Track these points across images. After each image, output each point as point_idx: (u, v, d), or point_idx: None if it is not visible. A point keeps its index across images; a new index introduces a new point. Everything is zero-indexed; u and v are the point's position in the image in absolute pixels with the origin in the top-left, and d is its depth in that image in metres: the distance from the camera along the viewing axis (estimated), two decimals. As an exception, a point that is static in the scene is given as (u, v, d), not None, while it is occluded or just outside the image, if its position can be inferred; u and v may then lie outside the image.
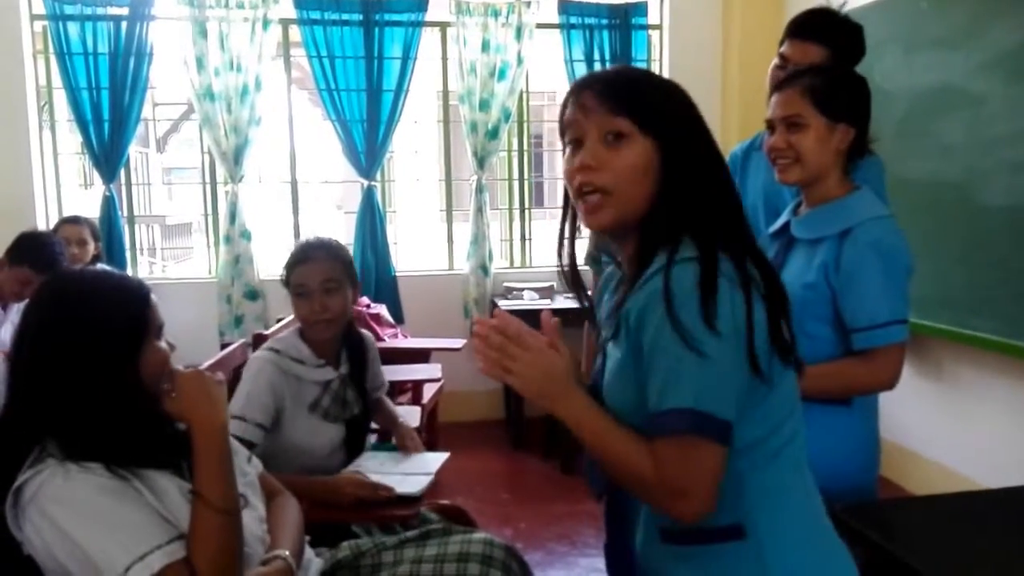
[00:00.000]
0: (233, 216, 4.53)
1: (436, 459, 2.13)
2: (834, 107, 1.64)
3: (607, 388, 1.13)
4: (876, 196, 1.76)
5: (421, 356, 4.03)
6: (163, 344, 1.36)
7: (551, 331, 1.10)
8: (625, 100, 1.07)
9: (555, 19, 4.74)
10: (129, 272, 4.51)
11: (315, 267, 2.02)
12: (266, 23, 4.41)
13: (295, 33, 4.61)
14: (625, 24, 4.77)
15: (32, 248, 2.93)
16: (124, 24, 4.34)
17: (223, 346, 3.25)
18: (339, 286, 2.02)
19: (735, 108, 4.71)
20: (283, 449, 1.97)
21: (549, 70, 5.01)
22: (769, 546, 1.08)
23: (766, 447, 1.09)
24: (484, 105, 4.66)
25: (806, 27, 2.00)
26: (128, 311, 1.31)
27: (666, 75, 5.41)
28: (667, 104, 1.09)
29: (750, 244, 1.11)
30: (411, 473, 2.02)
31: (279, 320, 3.26)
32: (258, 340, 2.70)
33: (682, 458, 1.00)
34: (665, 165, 1.07)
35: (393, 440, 2.27)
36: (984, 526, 1.55)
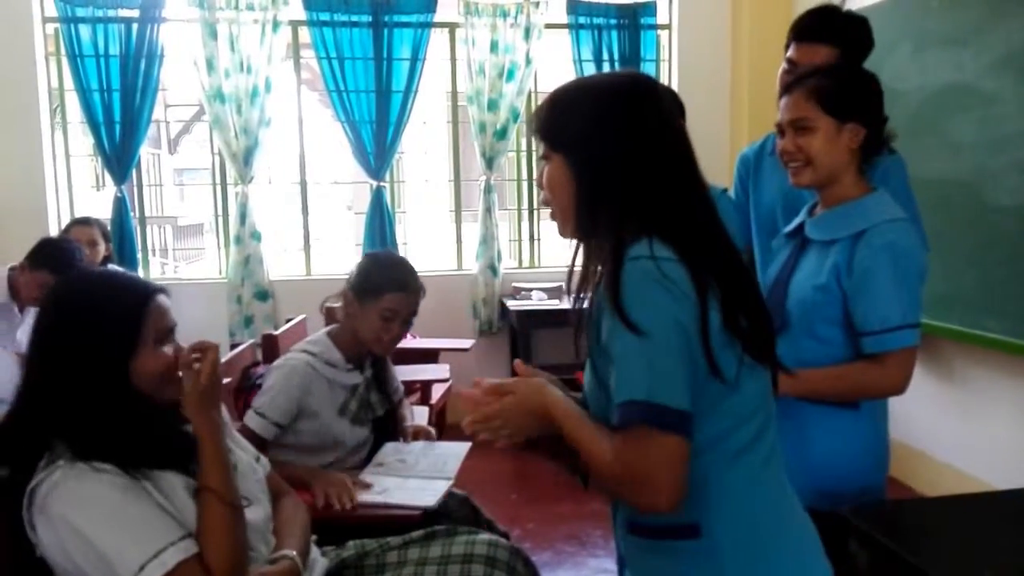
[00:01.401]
0: (243, 217, 4.56)
1: (456, 454, 2.13)
2: (841, 107, 1.62)
3: (585, 377, 1.18)
4: (898, 196, 1.74)
5: (430, 356, 4.04)
6: (167, 349, 1.36)
7: (525, 373, 1.23)
8: (538, 125, 1.20)
9: (564, 19, 4.74)
10: (140, 272, 4.55)
11: (410, 299, 2.09)
12: (276, 25, 4.43)
13: (305, 35, 4.63)
14: (634, 24, 4.76)
15: (52, 253, 2.98)
16: (135, 26, 4.37)
17: (233, 346, 3.27)
18: (413, 319, 2.12)
19: (744, 107, 4.70)
20: (315, 447, 2.04)
21: (558, 70, 5.01)
22: (724, 548, 1.10)
23: (725, 448, 1.10)
24: (493, 105, 4.66)
25: (811, 29, 1.97)
26: (120, 317, 1.31)
27: (675, 75, 5.36)
28: (568, 121, 1.16)
29: (711, 245, 1.12)
30: (430, 476, 2.02)
31: (288, 320, 3.27)
32: (268, 341, 2.71)
33: (639, 448, 1.03)
34: (575, 175, 1.15)
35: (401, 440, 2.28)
36: (993, 528, 1.54)
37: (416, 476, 2.02)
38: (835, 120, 1.62)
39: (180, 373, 1.36)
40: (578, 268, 1.17)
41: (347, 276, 2.16)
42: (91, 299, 1.33)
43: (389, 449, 2.17)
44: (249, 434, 1.94)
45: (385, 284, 2.06)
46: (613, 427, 1.06)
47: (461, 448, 2.16)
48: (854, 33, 1.97)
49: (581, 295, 1.17)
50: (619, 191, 1.12)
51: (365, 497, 1.93)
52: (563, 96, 1.18)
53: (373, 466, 2.08)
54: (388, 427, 2.23)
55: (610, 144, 1.12)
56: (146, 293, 1.35)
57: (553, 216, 1.21)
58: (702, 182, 1.16)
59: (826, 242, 1.65)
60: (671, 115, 1.16)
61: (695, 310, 1.04)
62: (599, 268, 1.13)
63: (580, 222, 1.16)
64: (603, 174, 1.13)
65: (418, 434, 2.27)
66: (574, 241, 1.22)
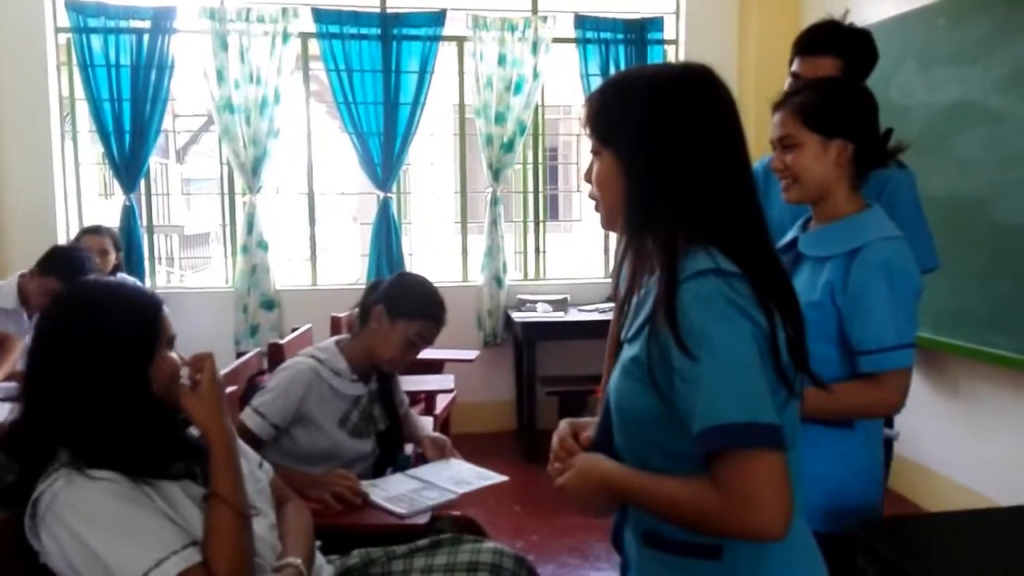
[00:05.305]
0: (251, 226, 4.57)
1: (483, 476, 2.08)
2: (826, 123, 1.60)
3: (614, 387, 1.12)
4: (907, 211, 1.73)
5: (434, 367, 4.04)
6: (174, 355, 1.39)
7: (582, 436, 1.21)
8: (589, 118, 1.12)
9: (571, 34, 4.77)
10: (147, 281, 4.57)
11: (438, 330, 2.16)
12: (286, 37, 4.47)
13: (314, 47, 4.66)
14: (641, 39, 4.79)
15: (61, 261, 3.02)
16: (146, 37, 4.41)
17: (239, 355, 3.28)
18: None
19: (751, 122, 4.62)
20: (311, 456, 2.03)
21: (565, 84, 5.04)
22: (743, 572, 1.07)
23: None
24: (500, 118, 4.68)
25: (814, 42, 1.98)
26: (140, 320, 1.34)
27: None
28: (620, 115, 1.08)
29: (768, 257, 1.08)
30: (441, 486, 2.00)
31: (294, 330, 3.28)
32: (274, 350, 2.72)
33: (744, 471, 0.96)
34: (625, 172, 1.08)
35: (409, 450, 2.28)
36: (998, 544, 1.54)
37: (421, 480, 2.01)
38: (821, 136, 1.61)
39: (183, 379, 1.38)
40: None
41: (366, 287, 2.17)
42: (110, 306, 1.34)
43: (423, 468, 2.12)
44: (245, 432, 1.93)
45: (422, 311, 2.12)
46: (704, 453, 0.98)
47: (489, 476, 2.08)
48: (857, 43, 1.98)
49: (630, 298, 1.11)
50: (674, 192, 1.05)
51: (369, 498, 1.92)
52: (615, 87, 1.10)
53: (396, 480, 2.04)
54: (393, 440, 2.22)
55: (665, 140, 1.04)
56: (157, 300, 1.41)
57: (598, 209, 1.15)
58: (755, 187, 1.10)
59: (820, 258, 1.63)
60: (731, 108, 1.09)
61: (765, 327, 1.00)
62: (646, 271, 1.09)
63: (630, 222, 1.08)
64: (656, 173, 1.05)
65: (435, 443, 2.24)
66: (611, 243, 1.16)
